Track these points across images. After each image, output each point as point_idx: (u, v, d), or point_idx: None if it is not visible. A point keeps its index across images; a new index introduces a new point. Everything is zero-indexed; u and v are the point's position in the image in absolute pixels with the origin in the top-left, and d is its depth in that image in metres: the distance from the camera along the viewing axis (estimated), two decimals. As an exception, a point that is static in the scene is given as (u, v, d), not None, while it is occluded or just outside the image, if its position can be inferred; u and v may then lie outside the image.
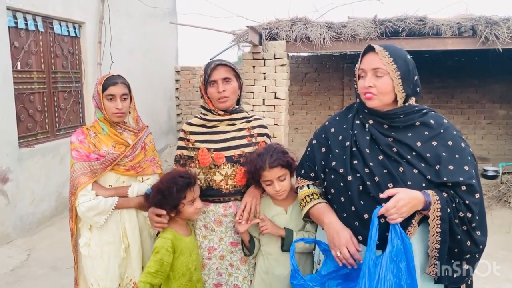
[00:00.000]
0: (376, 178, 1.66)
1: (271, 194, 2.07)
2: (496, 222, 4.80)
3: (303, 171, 1.98)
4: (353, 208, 1.71)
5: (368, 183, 1.67)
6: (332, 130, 1.88)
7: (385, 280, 1.54)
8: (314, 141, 1.95)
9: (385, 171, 1.66)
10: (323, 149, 1.88)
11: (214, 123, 2.17)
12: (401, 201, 1.54)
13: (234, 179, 2.14)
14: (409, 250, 1.57)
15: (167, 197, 1.99)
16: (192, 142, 2.19)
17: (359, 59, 1.76)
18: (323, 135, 1.91)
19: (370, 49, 1.72)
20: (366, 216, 1.67)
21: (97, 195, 2.18)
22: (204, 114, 2.20)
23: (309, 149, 1.97)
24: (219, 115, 2.16)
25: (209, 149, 2.14)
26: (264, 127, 2.27)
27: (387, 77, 1.67)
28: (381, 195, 1.58)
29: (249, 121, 2.23)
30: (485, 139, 9.14)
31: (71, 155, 2.23)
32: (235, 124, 2.19)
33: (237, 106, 2.23)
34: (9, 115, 4.64)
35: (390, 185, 1.63)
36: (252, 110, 6.11)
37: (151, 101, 8.29)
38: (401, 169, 1.64)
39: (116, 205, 2.21)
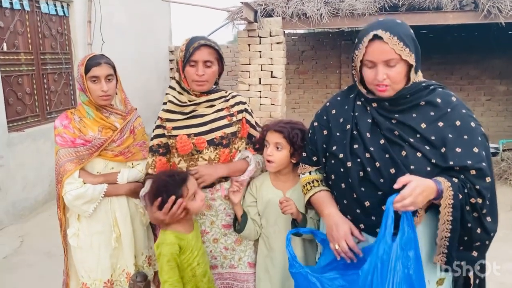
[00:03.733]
0: (377, 164, 1.56)
1: (264, 157, 2.04)
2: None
3: (305, 155, 1.88)
4: (354, 195, 1.62)
5: (369, 169, 1.58)
6: (333, 111, 1.77)
7: (395, 270, 1.44)
8: (315, 123, 1.83)
9: (387, 155, 1.56)
10: (325, 132, 1.77)
11: (192, 107, 2.03)
12: (418, 188, 1.41)
13: (218, 162, 2.04)
14: (416, 238, 1.48)
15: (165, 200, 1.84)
16: (169, 129, 2.04)
17: (362, 48, 1.56)
18: (324, 117, 1.80)
19: (375, 37, 1.53)
20: (367, 203, 1.59)
21: (84, 183, 2.08)
22: (180, 93, 2.05)
23: (310, 131, 1.86)
24: (196, 95, 2.04)
25: (189, 135, 2.00)
26: (243, 102, 2.15)
27: (400, 64, 1.53)
28: (395, 186, 1.45)
29: (227, 100, 2.11)
30: (485, 116, 9.03)
31: (55, 141, 2.11)
32: (214, 105, 2.06)
33: (214, 86, 2.11)
34: (-4, 98, 4.48)
35: (392, 170, 1.53)
36: (248, 90, 5.98)
37: (144, 82, 8.11)
38: (403, 153, 1.54)
39: (105, 193, 2.11)
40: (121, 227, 2.18)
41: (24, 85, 5.04)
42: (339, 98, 1.80)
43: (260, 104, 6.02)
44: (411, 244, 1.45)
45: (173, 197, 1.80)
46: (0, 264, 3.78)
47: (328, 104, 1.83)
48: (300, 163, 1.90)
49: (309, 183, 1.83)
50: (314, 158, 1.83)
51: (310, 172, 1.86)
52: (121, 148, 2.14)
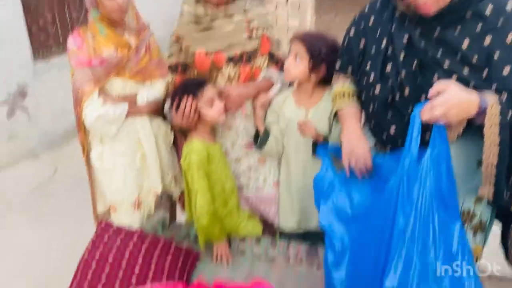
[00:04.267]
0: (406, 90, 1.43)
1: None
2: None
3: (340, 64, 1.76)
4: (381, 120, 1.55)
5: (398, 95, 1.45)
6: (371, 21, 1.61)
7: (424, 185, 1.31)
8: (352, 30, 1.69)
9: (418, 81, 1.41)
10: (362, 43, 1.63)
11: (209, 20, 1.90)
12: (453, 99, 1.22)
13: (238, 80, 1.95)
14: (449, 152, 1.33)
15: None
16: (186, 46, 1.93)
17: None
18: (362, 25, 1.64)
19: None
20: (393, 129, 1.50)
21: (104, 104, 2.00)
22: (196, 4, 1.91)
23: (346, 39, 1.72)
24: (213, 7, 1.90)
25: (207, 52, 1.89)
26: (263, 14, 2.01)
27: None
28: (429, 94, 1.27)
29: (247, 13, 1.96)
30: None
31: (70, 64, 2.04)
32: (233, 18, 1.92)
33: None
34: (18, 27, 4.38)
35: (422, 98, 1.38)
36: (276, 9, 5.66)
37: (172, 2, 7.82)
38: (435, 78, 1.36)
39: (126, 113, 2.04)
40: (145, 147, 2.13)
41: (46, 14, 4.91)
42: (378, 5, 1.61)
43: (288, 27, 5.72)
44: (443, 158, 1.31)
45: (185, 97, 1.83)
46: (36, 191, 3.89)
47: (367, 10, 1.66)
48: (334, 73, 1.79)
49: (339, 95, 1.73)
50: (349, 68, 1.71)
51: (343, 83, 1.74)
52: (138, 67, 2.05)
